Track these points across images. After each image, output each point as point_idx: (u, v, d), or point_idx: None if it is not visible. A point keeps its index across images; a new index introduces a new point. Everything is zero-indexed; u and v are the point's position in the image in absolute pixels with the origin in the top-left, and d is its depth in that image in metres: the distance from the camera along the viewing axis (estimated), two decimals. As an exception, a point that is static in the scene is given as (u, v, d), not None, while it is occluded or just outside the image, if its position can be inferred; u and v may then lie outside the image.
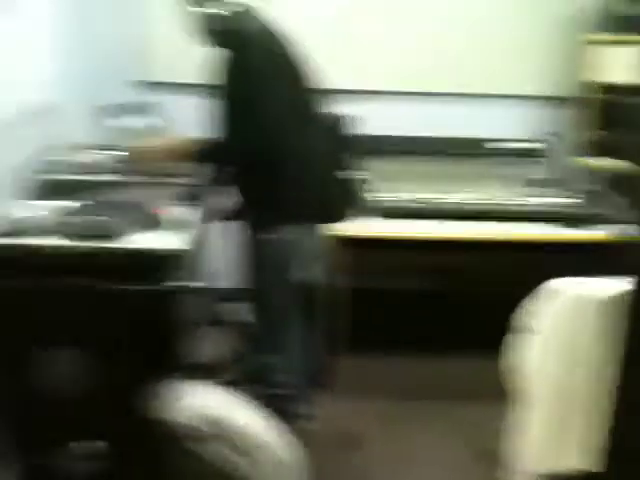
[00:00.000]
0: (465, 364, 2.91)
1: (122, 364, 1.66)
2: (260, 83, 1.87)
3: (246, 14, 2.01)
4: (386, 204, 2.69)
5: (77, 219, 1.64)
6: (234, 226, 2.16)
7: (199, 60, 2.17)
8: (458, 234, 2.61)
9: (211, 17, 1.97)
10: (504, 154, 3.18)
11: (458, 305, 3.22)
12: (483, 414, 2.57)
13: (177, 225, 1.68)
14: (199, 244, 1.86)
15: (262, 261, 2.05)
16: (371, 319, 3.03)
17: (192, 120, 2.28)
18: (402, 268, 3.13)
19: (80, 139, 2.52)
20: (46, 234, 1.57)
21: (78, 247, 1.54)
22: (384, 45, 3.11)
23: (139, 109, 2.37)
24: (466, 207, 2.73)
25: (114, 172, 2.11)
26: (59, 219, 1.65)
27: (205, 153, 2.03)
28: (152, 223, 1.66)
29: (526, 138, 3.19)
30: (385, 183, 2.82)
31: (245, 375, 2.63)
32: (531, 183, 2.97)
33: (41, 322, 1.58)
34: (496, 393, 2.62)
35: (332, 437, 2.44)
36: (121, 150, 2.19)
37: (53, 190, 2.03)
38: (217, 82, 2.00)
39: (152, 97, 2.50)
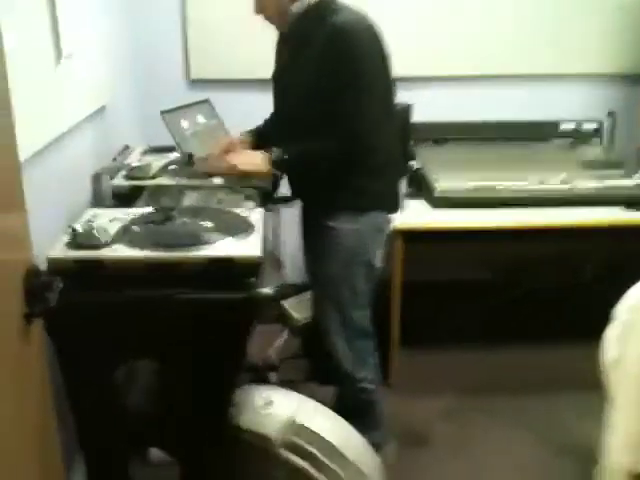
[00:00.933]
0: (531, 355, 2.85)
1: (200, 372, 1.62)
2: (358, 78, 1.78)
3: (335, 2, 1.88)
4: (448, 193, 2.62)
5: (157, 227, 1.60)
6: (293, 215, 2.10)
7: (257, 55, 2.10)
8: (519, 222, 2.53)
9: (300, 4, 1.83)
10: (566, 136, 3.09)
11: (522, 294, 3.16)
12: (556, 407, 2.52)
13: (253, 228, 1.63)
14: (271, 246, 1.82)
15: (342, 251, 1.99)
16: (431, 312, 2.99)
17: (249, 118, 2.27)
18: (463, 258, 3.08)
19: (137, 141, 2.49)
20: (125, 244, 1.53)
21: (159, 257, 1.50)
22: (445, 28, 3.01)
23: (196, 108, 2.31)
24: (529, 194, 2.65)
25: (177, 175, 2.06)
26: (136, 227, 1.61)
27: (291, 161, 1.90)
28: (231, 228, 1.61)
29: (586, 118, 3.10)
30: (445, 171, 2.75)
31: (315, 373, 2.58)
32: (592, 165, 2.89)
33: (122, 334, 1.54)
34: (566, 384, 2.58)
35: (396, 435, 2.36)
36: (183, 152, 2.15)
37: (119, 196, 2.00)
38: (299, 77, 1.88)
39: (207, 95, 2.43)
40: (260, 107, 2.22)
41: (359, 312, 2.08)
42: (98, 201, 2.06)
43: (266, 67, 2.06)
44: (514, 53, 3.07)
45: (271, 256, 1.79)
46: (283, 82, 1.98)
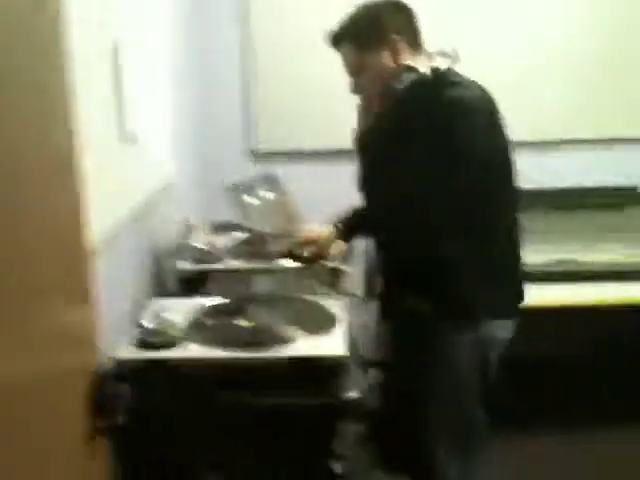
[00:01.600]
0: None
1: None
2: (484, 162, 1.56)
3: (450, 74, 1.63)
4: (542, 267, 2.43)
5: (230, 322, 1.47)
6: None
7: (329, 123, 1.95)
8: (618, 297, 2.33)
9: (414, 80, 1.62)
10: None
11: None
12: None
13: (336, 322, 1.48)
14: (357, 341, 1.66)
15: (445, 367, 1.65)
16: (536, 394, 2.68)
17: (317, 193, 2.13)
18: (560, 335, 2.80)
19: (201, 220, 2.38)
20: (197, 342, 1.39)
21: (235, 358, 1.36)
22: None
23: (261, 183, 2.19)
24: (616, 267, 2.45)
25: (245, 257, 1.94)
26: (208, 322, 1.48)
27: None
28: (312, 322, 1.46)
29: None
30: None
31: (385, 461, 2.32)
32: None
33: (195, 443, 1.39)
34: None
35: None
36: (250, 232, 2.03)
37: (185, 281, 1.88)
38: (405, 160, 1.62)
39: (271, 169, 2.31)
40: (331, 181, 2.10)
41: (469, 416, 1.73)
42: (162, 286, 1.94)
43: (339, 136, 1.92)
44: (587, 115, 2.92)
45: (357, 353, 1.62)
46: (381, 165, 1.72)
